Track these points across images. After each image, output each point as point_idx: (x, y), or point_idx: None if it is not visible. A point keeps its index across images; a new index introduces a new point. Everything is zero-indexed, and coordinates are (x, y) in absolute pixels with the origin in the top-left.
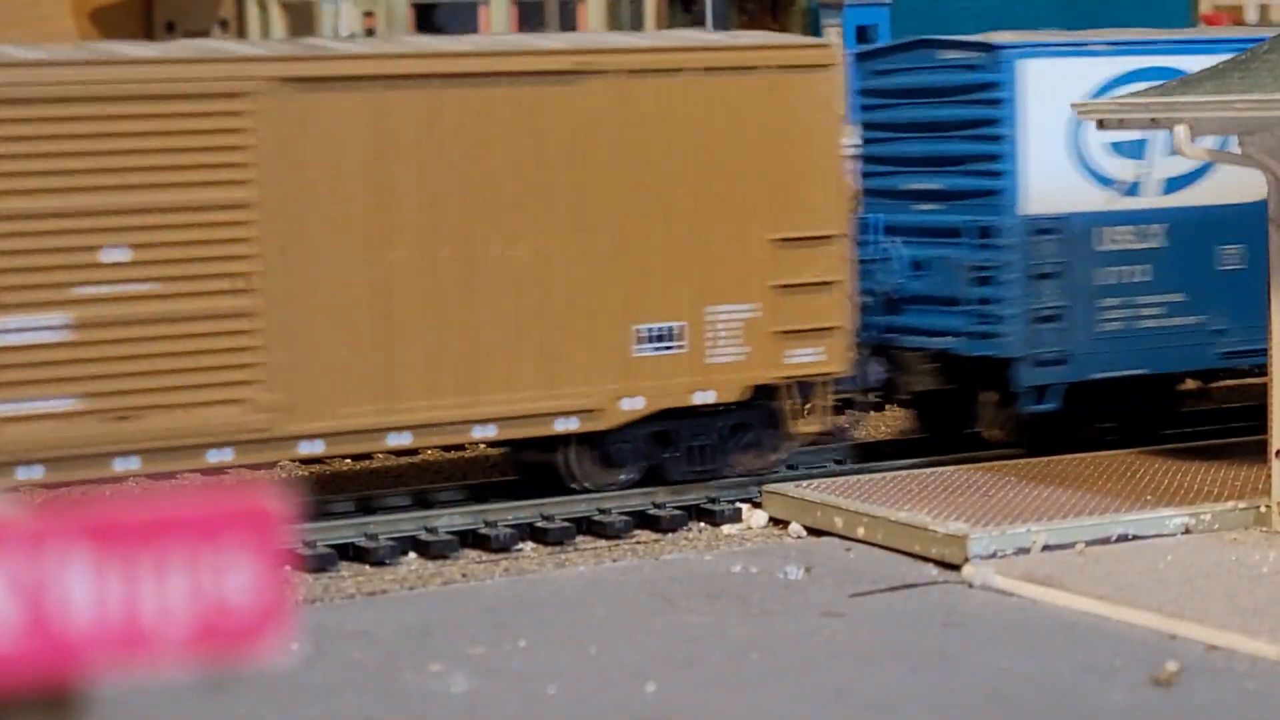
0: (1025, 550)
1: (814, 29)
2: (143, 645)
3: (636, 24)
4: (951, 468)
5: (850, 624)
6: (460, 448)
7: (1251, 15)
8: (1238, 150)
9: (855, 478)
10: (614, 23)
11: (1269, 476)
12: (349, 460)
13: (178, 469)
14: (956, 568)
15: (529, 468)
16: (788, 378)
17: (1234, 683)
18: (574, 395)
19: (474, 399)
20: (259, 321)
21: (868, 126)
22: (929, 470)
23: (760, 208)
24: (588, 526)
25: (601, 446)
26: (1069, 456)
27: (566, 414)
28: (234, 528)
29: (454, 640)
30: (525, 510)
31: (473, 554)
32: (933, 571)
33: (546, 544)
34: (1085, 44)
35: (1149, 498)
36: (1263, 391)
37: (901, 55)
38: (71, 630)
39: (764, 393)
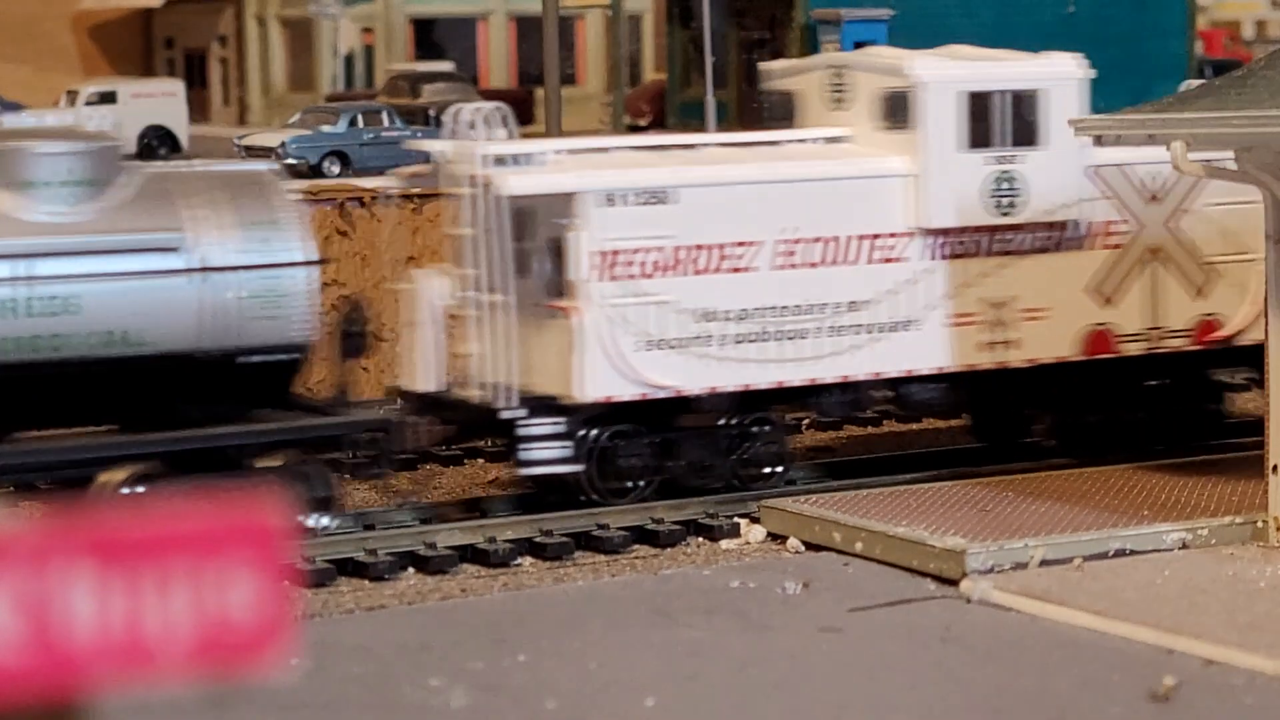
0: (1023, 565)
1: (811, 45)
2: (145, 660)
3: (635, 40)
4: (949, 483)
5: (848, 639)
6: (459, 462)
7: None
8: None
9: (853, 493)
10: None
11: (1266, 491)
12: (347, 475)
13: None
14: (954, 583)
15: None
16: None
17: (1231, 698)
18: None
19: None
20: None
21: None
22: (927, 485)
23: None
24: (586, 541)
25: None
26: (1066, 471)
27: None
28: (236, 543)
29: (453, 655)
30: (524, 525)
31: (472, 569)
32: (931, 586)
33: (545, 559)
34: None
35: (1146, 513)
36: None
37: None
38: (75, 645)
39: None
